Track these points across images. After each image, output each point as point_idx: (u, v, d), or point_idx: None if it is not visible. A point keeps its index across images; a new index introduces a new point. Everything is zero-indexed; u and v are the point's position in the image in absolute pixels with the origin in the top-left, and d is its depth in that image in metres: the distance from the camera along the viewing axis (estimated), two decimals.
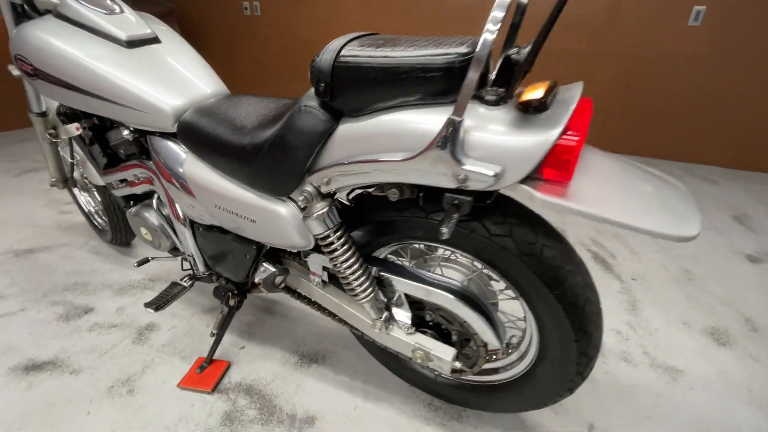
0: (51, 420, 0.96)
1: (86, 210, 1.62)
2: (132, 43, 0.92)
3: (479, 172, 0.53)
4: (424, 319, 0.86)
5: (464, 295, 0.75)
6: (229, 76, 4.07)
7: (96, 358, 1.13)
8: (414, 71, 0.55)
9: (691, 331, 1.31)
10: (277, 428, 0.96)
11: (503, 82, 0.59)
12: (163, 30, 1.04)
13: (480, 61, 0.47)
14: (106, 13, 0.93)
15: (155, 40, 0.97)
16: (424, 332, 0.84)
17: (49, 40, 0.88)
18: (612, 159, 0.61)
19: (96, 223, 1.61)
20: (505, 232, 0.66)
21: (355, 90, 0.60)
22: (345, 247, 0.73)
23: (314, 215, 0.70)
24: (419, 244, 0.81)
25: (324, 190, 0.70)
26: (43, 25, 0.91)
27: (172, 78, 0.93)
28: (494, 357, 0.90)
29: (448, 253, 0.86)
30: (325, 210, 0.70)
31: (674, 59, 2.55)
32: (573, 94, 0.56)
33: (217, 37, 3.90)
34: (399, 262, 0.83)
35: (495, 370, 0.90)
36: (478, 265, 0.81)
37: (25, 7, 1.03)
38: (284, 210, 0.75)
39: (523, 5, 0.58)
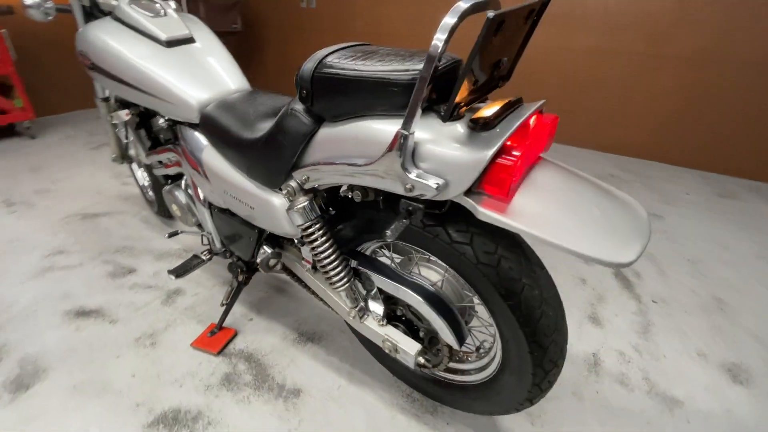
0: (88, 358, 1.15)
1: (140, 184, 1.85)
2: (170, 43, 1.05)
3: (424, 182, 0.57)
4: (397, 313, 0.91)
5: (430, 295, 0.79)
6: (283, 67, 4.28)
7: (131, 312, 1.32)
8: (379, 85, 0.60)
9: (705, 363, 1.22)
10: (266, 394, 1.07)
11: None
12: (201, 30, 1.16)
13: (424, 81, 0.51)
14: (152, 16, 1.07)
15: (191, 40, 1.10)
16: (396, 326, 0.89)
17: (104, 39, 1.04)
18: (567, 176, 0.61)
19: (147, 196, 1.84)
20: (466, 240, 0.69)
21: (330, 98, 0.66)
22: (323, 239, 0.80)
23: (295, 207, 0.78)
24: (397, 243, 0.86)
25: (306, 186, 0.77)
26: (100, 26, 1.07)
27: (201, 75, 1.04)
28: (466, 358, 0.93)
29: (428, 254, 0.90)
30: (305, 204, 0.77)
31: (753, 64, 2.29)
32: (524, 113, 0.57)
33: (275, 28, 4.11)
34: (377, 258, 0.88)
35: (467, 372, 0.93)
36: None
37: (93, 9, 1.20)
38: (276, 200, 0.84)
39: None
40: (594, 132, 2.94)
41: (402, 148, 0.56)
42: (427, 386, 1.01)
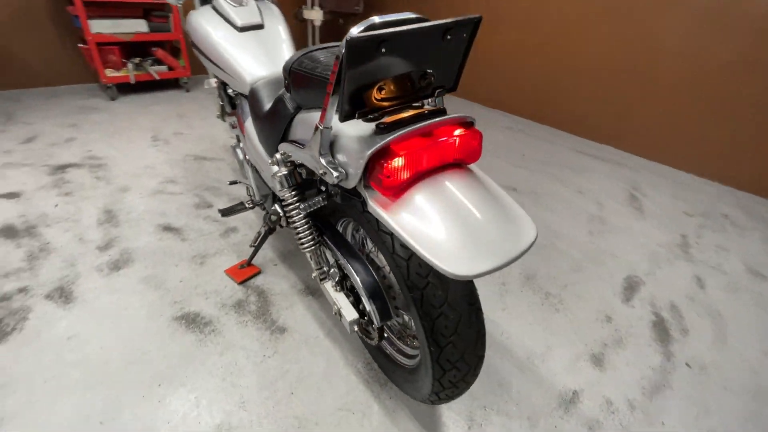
0: (158, 260, 1.55)
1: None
2: (243, 29, 1.30)
3: (330, 170, 0.66)
4: (347, 284, 1.02)
5: (366, 274, 0.88)
6: None
7: (197, 237, 1.70)
8: (320, 83, 0.71)
9: None
10: (261, 325, 1.31)
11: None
12: (273, 19, 1.38)
13: (330, 84, 0.60)
14: (235, 6, 1.32)
15: (260, 26, 1.33)
16: (348, 295, 1.01)
17: (200, 22, 1.34)
18: (472, 186, 0.63)
19: None
20: (388, 230, 0.76)
21: (298, 91, 0.79)
22: (293, 206, 0.95)
23: (276, 175, 0.94)
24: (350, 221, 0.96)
25: (288, 159, 0.93)
26: (200, 13, 1.37)
27: (261, 56, 1.27)
28: (410, 342, 1.00)
29: None
30: (283, 173, 0.93)
31: None
32: (423, 122, 0.61)
33: (394, 8, 4.29)
34: (341, 233, 1.00)
35: (405, 354, 1.01)
36: None
37: None
38: (271, 167, 1.02)
39: None
40: (718, 160, 2.42)
41: (318, 138, 0.67)
42: (380, 359, 1.12)
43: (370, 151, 0.59)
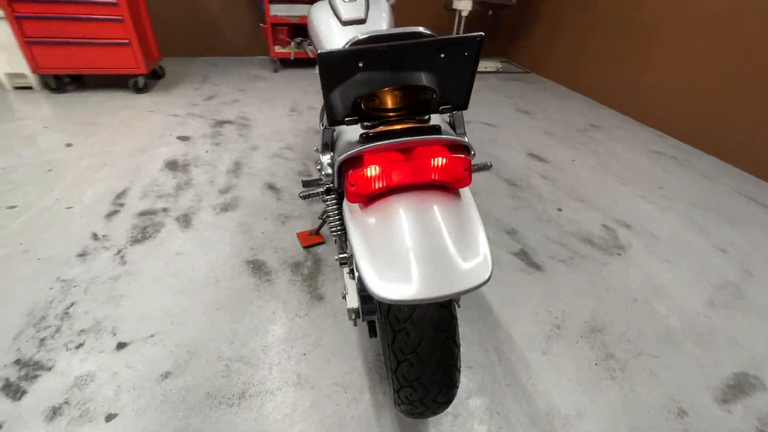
0: (254, 211, 1.86)
1: None
2: (345, 23, 1.41)
3: (324, 166, 0.71)
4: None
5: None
6: (548, 44, 4.05)
7: (289, 199, 1.97)
8: None
9: None
10: (305, 288, 1.48)
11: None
12: (378, 14, 1.46)
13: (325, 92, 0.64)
14: (345, 1, 1.44)
15: (362, 21, 1.42)
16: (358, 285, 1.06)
17: (317, 14, 1.50)
18: (447, 211, 0.60)
19: None
20: None
21: None
22: (325, 190, 1.03)
23: (316, 161, 1.03)
24: None
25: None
26: (319, 6, 1.53)
27: None
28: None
29: None
30: (321, 161, 1.02)
31: None
32: (404, 138, 0.60)
33: (551, 3, 3.88)
34: None
35: None
36: None
37: None
38: (317, 153, 1.12)
39: None
40: None
41: (323, 137, 0.72)
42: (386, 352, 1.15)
43: (341, 157, 0.62)
